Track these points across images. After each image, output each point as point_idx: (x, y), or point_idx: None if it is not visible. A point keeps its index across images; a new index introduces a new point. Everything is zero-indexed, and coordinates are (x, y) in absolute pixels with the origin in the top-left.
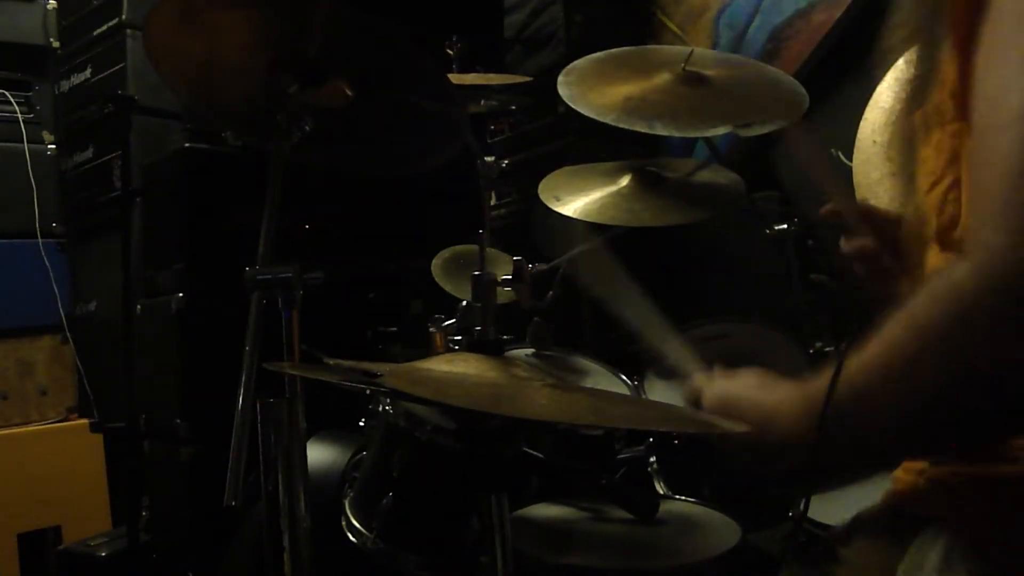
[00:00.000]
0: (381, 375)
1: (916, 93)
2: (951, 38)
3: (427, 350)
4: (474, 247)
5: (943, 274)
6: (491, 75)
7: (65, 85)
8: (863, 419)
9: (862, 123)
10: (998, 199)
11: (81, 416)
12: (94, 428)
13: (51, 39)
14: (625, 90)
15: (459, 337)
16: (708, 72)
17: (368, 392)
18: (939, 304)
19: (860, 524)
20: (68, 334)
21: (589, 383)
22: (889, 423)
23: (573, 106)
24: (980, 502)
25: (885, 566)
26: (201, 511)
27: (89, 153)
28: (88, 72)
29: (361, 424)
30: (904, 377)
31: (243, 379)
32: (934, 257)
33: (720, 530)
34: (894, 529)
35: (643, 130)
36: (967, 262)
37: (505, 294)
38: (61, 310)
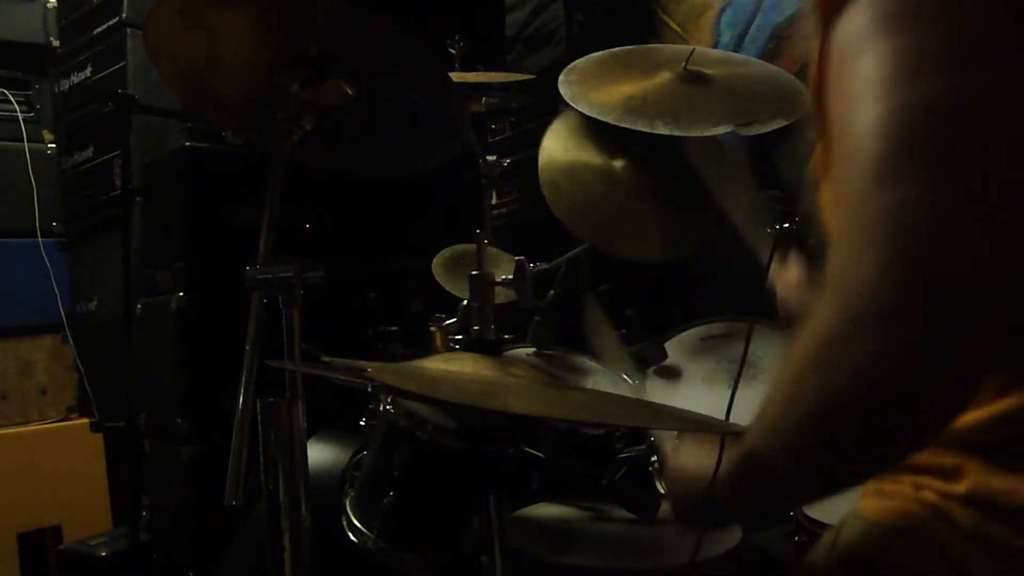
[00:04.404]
0: (369, 371)
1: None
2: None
3: (428, 349)
4: (475, 246)
5: (815, 312)
6: (492, 73)
7: (65, 84)
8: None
9: None
10: (857, 232)
11: (81, 416)
12: (94, 428)
13: (51, 38)
14: (626, 89)
15: (460, 336)
16: (709, 71)
17: (369, 391)
18: (809, 338)
19: None
20: (68, 333)
21: (590, 383)
22: (780, 467)
23: (574, 105)
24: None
25: None
26: (201, 511)
27: (89, 152)
28: (88, 71)
29: (361, 424)
30: (785, 414)
31: (243, 378)
32: None
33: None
34: None
35: (644, 129)
36: (830, 299)
37: (506, 293)
38: (61, 309)
